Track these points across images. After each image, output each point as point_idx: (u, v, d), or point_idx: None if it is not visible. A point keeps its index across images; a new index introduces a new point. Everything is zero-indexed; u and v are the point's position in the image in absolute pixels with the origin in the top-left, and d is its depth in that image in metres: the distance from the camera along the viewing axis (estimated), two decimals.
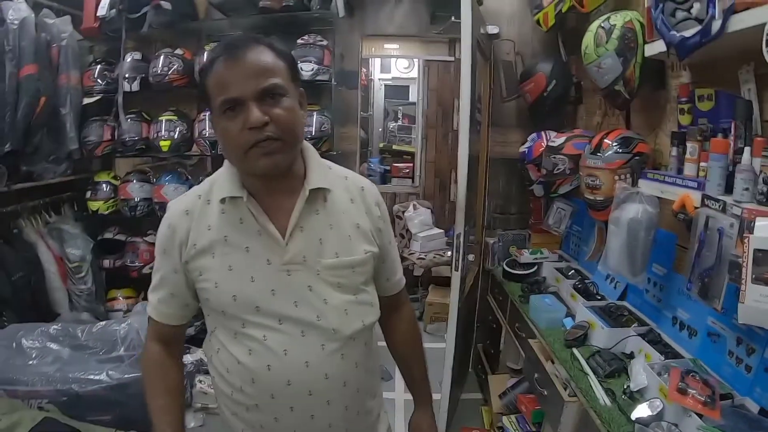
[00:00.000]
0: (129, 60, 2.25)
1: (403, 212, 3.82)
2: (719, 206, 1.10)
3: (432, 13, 2.50)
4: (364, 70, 3.82)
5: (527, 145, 2.33)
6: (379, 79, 4.91)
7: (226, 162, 0.90)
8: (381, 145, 4.87)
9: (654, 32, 1.32)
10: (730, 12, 1.02)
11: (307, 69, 2.15)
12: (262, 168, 0.81)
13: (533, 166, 2.27)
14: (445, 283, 3.44)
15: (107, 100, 2.27)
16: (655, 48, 1.35)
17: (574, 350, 1.49)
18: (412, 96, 4.83)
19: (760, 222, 0.96)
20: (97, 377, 1.27)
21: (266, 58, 0.81)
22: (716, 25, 1.06)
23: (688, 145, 1.28)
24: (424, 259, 3.60)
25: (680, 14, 1.21)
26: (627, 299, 1.70)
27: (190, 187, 2.32)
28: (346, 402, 0.91)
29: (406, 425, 1.14)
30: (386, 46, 4.03)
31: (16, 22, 1.84)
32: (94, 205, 2.34)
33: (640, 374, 1.25)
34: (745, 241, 0.96)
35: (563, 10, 1.95)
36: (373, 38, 3.37)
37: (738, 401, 1.08)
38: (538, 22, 2.10)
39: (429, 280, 3.72)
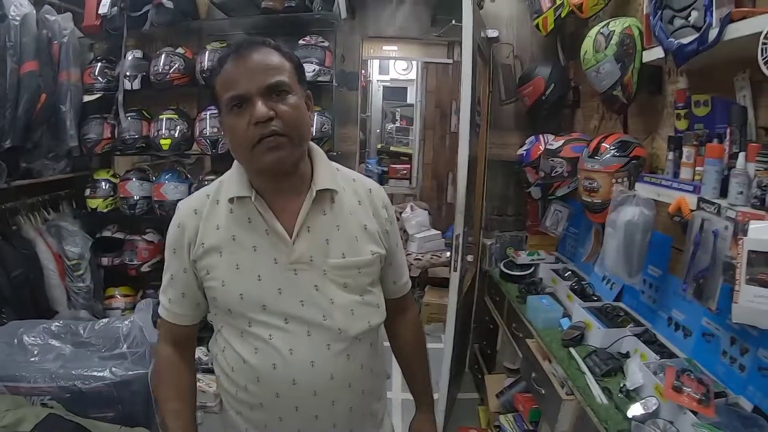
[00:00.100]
0: (130, 58, 2.25)
1: (401, 213, 3.84)
2: (714, 209, 1.13)
3: (433, 16, 2.52)
4: (363, 71, 3.83)
5: (525, 147, 2.35)
6: (378, 81, 4.93)
7: (235, 162, 0.92)
8: (379, 146, 4.89)
9: (652, 39, 1.35)
10: (726, 21, 1.05)
11: (308, 70, 2.16)
12: (267, 163, 0.82)
13: (531, 168, 2.29)
14: (441, 283, 3.46)
15: (107, 97, 2.28)
16: (653, 54, 1.37)
17: (571, 350, 1.52)
18: (410, 98, 4.86)
19: (754, 225, 0.98)
20: (100, 374, 1.27)
21: (272, 58, 0.84)
22: (713, 34, 1.08)
23: (685, 149, 1.31)
24: (420, 260, 3.62)
25: (678, 22, 1.24)
26: (623, 300, 1.72)
27: (189, 186, 2.35)
28: (351, 403, 0.91)
29: (404, 425, 1.15)
30: (385, 47, 4.05)
31: (17, 18, 1.84)
32: (93, 203, 2.34)
33: (636, 373, 1.27)
34: (740, 243, 0.98)
35: (562, 15, 1.97)
36: (373, 40, 3.39)
37: (732, 399, 1.11)
38: (537, 26, 2.13)
39: (425, 281, 3.74)
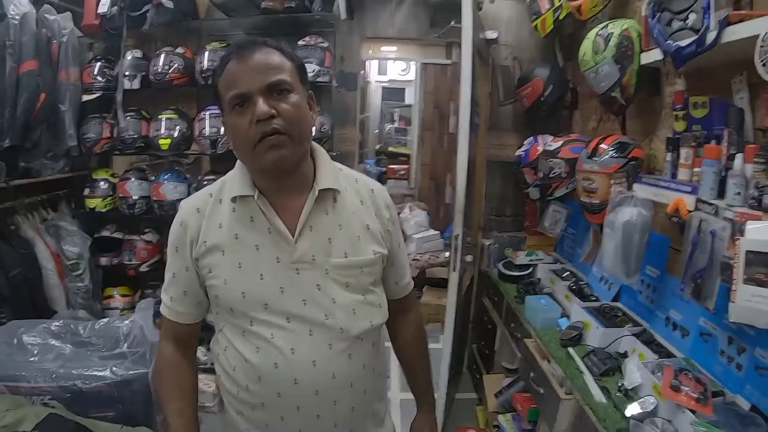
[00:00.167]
0: (129, 58, 2.25)
1: (399, 214, 3.85)
2: (712, 210, 1.14)
3: (432, 17, 2.53)
4: (361, 72, 3.84)
5: (524, 148, 2.36)
6: (376, 81, 4.94)
7: (238, 162, 0.92)
8: (377, 146, 4.90)
9: (651, 41, 1.36)
10: (724, 24, 1.06)
11: (308, 70, 2.16)
12: (269, 161, 0.82)
13: (529, 169, 2.30)
14: (439, 284, 3.47)
15: (107, 97, 2.27)
16: (652, 56, 1.39)
17: (570, 349, 1.52)
18: (409, 98, 4.87)
19: (751, 225, 0.99)
20: (100, 373, 1.27)
21: (274, 57, 0.85)
22: (711, 36, 1.10)
23: (683, 150, 1.32)
24: (419, 260, 3.63)
25: (676, 24, 1.25)
26: (620, 300, 1.73)
27: (188, 186, 2.35)
28: (352, 403, 0.91)
29: (402, 425, 1.15)
30: (384, 48, 4.06)
31: (17, 17, 1.84)
32: (91, 203, 2.33)
33: (634, 372, 1.28)
34: (737, 243, 0.99)
35: (561, 17, 1.99)
36: (372, 40, 3.40)
37: (729, 398, 1.12)
38: (536, 28, 2.14)
39: (423, 281, 3.75)
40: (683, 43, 1.19)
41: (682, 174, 1.32)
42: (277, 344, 0.86)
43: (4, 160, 1.92)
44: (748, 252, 0.97)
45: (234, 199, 0.89)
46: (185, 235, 0.91)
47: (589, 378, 1.36)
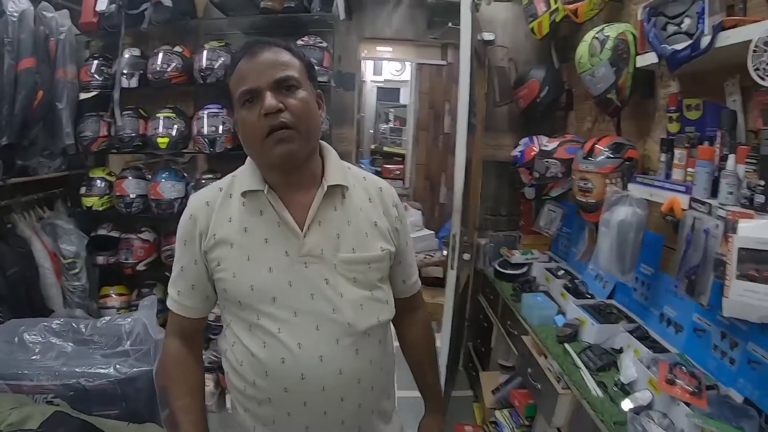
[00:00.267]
0: (127, 56, 2.24)
1: None
2: (705, 209, 1.17)
3: (429, 18, 2.56)
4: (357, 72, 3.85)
5: (519, 148, 2.40)
6: (371, 81, 4.96)
7: (248, 159, 0.94)
8: (372, 146, 4.92)
9: (646, 44, 1.39)
10: (718, 29, 1.09)
11: None
12: (278, 155, 0.84)
13: (525, 169, 2.33)
14: (434, 283, 3.50)
15: (104, 95, 2.26)
16: (647, 59, 1.42)
17: (566, 346, 1.56)
18: (404, 98, 4.90)
19: (743, 223, 1.03)
20: (104, 371, 1.27)
21: (283, 55, 0.87)
22: (705, 41, 1.13)
23: (677, 151, 1.36)
24: None
25: (671, 28, 1.29)
26: (615, 298, 1.77)
27: (186, 185, 2.34)
28: (360, 400, 0.91)
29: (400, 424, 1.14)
30: (379, 48, 4.07)
31: (15, 14, 1.83)
32: (88, 201, 2.31)
33: (629, 367, 1.31)
34: (730, 240, 1.03)
35: (557, 20, 2.02)
36: (367, 40, 3.42)
37: (723, 392, 1.15)
38: (532, 30, 2.17)
39: None
40: (678, 47, 1.23)
41: (676, 174, 1.36)
42: (284, 339, 0.86)
43: (1, 158, 1.90)
44: (741, 249, 1.00)
45: (244, 194, 0.90)
46: (194, 229, 0.91)
47: (585, 373, 1.40)
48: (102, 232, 2.39)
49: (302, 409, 0.87)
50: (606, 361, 1.42)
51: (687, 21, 1.22)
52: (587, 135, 2.04)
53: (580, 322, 1.63)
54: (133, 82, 2.24)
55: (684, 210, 1.25)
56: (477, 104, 2.52)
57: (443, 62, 4.13)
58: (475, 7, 2.14)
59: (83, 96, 2.23)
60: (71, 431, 1.08)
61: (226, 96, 2.43)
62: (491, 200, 2.67)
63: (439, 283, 3.32)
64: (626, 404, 1.19)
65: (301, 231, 0.88)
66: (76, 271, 2.20)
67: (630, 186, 1.56)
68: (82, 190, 2.32)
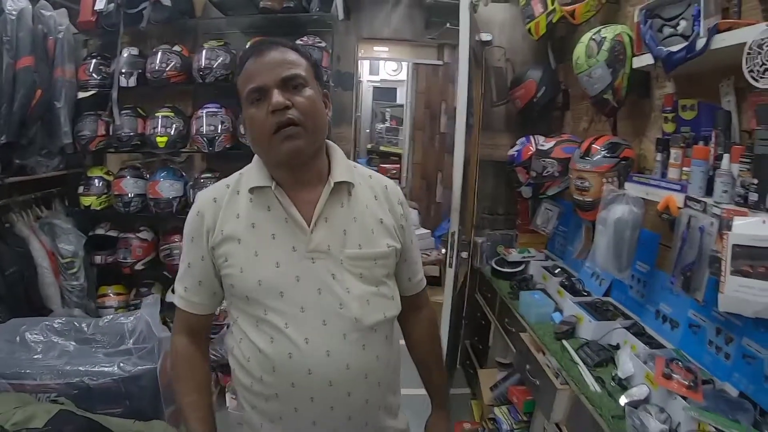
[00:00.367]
0: (126, 55, 2.24)
1: None
2: (701, 207, 1.20)
3: (427, 18, 2.57)
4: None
5: (516, 148, 2.41)
6: (368, 81, 4.97)
7: (255, 157, 0.95)
8: (368, 146, 4.93)
9: (642, 46, 1.42)
10: (714, 31, 1.12)
11: None
12: (285, 152, 0.85)
13: (522, 168, 2.35)
14: (430, 282, 3.51)
15: (102, 94, 2.26)
16: (643, 61, 1.45)
17: (564, 342, 1.58)
18: (400, 98, 4.91)
19: (737, 221, 1.06)
20: (108, 369, 1.28)
21: (289, 54, 0.88)
22: (701, 43, 1.15)
23: (672, 151, 1.38)
24: None
25: (667, 30, 1.31)
26: (611, 295, 1.80)
27: (185, 184, 2.35)
28: (367, 395, 0.91)
29: (406, 420, 1.14)
30: (376, 48, 4.09)
31: (14, 12, 1.82)
32: (86, 201, 2.31)
33: (627, 363, 1.34)
34: (725, 237, 1.05)
35: (554, 21, 2.04)
36: (363, 40, 3.44)
37: (718, 386, 1.18)
38: (529, 30, 2.19)
39: None
40: (674, 48, 1.25)
41: (672, 173, 1.38)
42: (291, 334, 0.87)
43: (0, 157, 1.90)
44: (735, 246, 1.03)
45: (251, 190, 0.91)
46: (202, 225, 0.92)
47: (583, 369, 1.42)
48: (100, 231, 2.39)
49: (309, 404, 0.88)
50: (603, 357, 1.44)
51: (683, 23, 1.25)
52: (583, 135, 2.06)
53: (578, 319, 1.65)
54: (132, 81, 2.24)
55: (680, 208, 1.28)
56: (474, 104, 2.54)
57: (439, 62, 4.15)
58: (473, 8, 2.17)
59: (81, 95, 2.23)
60: (78, 429, 1.08)
61: (225, 95, 2.43)
62: (488, 199, 2.69)
63: (435, 281, 3.33)
64: (624, 399, 1.21)
65: (308, 227, 0.89)
66: (75, 270, 2.19)
67: (626, 185, 1.58)
68: (80, 189, 2.32)
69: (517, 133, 2.48)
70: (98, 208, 2.33)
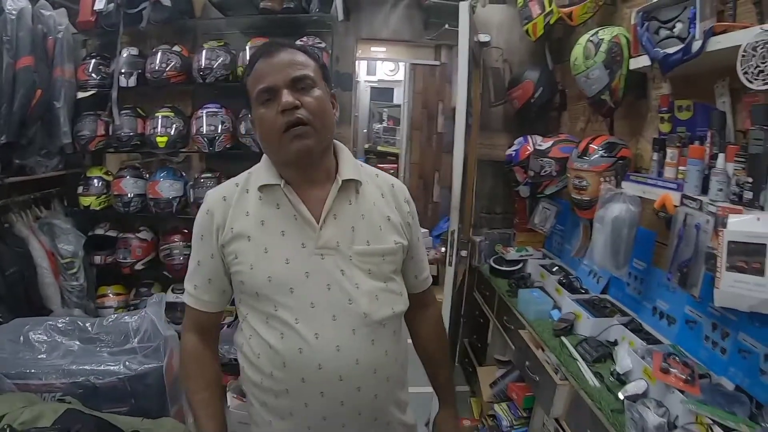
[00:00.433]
0: (125, 55, 2.24)
1: None
2: (696, 205, 1.22)
3: (425, 19, 2.59)
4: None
5: (514, 148, 2.44)
6: (365, 81, 4.98)
7: (264, 156, 0.96)
8: (366, 146, 4.94)
9: (639, 48, 1.44)
10: (709, 34, 1.15)
11: None
12: (295, 151, 0.87)
13: (520, 168, 2.38)
14: None
15: (101, 94, 2.26)
16: (640, 62, 1.47)
17: (563, 338, 1.60)
18: (397, 98, 4.93)
19: (732, 218, 1.08)
20: (114, 368, 1.28)
21: (298, 55, 0.90)
22: (696, 45, 1.18)
23: (669, 150, 1.41)
24: None
25: (663, 33, 1.34)
26: (609, 293, 1.82)
27: (185, 184, 2.35)
28: (376, 390, 0.93)
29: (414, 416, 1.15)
30: (373, 48, 4.10)
31: (14, 12, 1.82)
32: (85, 201, 2.31)
33: (625, 358, 1.36)
34: (720, 234, 1.08)
35: (551, 22, 2.07)
36: (361, 40, 3.45)
37: (715, 380, 1.20)
38: (527, 32, 2.22)
39: None
40: (670, 50, 1.28)
41: (668, 172, 1.41)
42: (301, 329, 0.88)
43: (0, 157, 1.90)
44: (730, 242, 1.05)
45: (261, 188, 0.93)
46: (211, 223, 0.94)
47: (582, 365, 1.44)
48: (99, 231, 2.39)
49: (319, 399, 0.89)
50: (602, 352, 1.47)
51: (679, 26, 1.28)
52: (580, 135, 2.09)
53: (576, 316, 1.68)
54: (132, 81, 2.25)
55: (676, 206, 1.30)
56: (473, 104, 2.56)
57: (436, 62, 4.17)
58: (472, 10, 2.19)
59: (81, 95, 2.23)
60: (86, 428, 1.09)
61: (225, 95, 2.43)
62: (486, 198, 2.71)
63: (434, 280, 3.35)
64: (623, 393, 1.24)
65: (317, 224, 0.91)
66: (74, 270, 2.19)
67: (623, 184, 1.61)
68: (80, 189, 2.32)
69: (514, 133, 2.50)
70: (97, 208, 2.33)
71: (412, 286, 1.07)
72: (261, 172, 0.95)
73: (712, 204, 1.17)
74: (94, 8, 2.14)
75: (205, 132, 2.22)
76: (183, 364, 0.99)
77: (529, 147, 2.33)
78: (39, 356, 1.34)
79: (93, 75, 2.24)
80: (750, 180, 1.10)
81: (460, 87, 1.93)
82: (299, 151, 0.87)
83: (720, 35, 1.13)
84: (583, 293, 1.85)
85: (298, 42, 2.25)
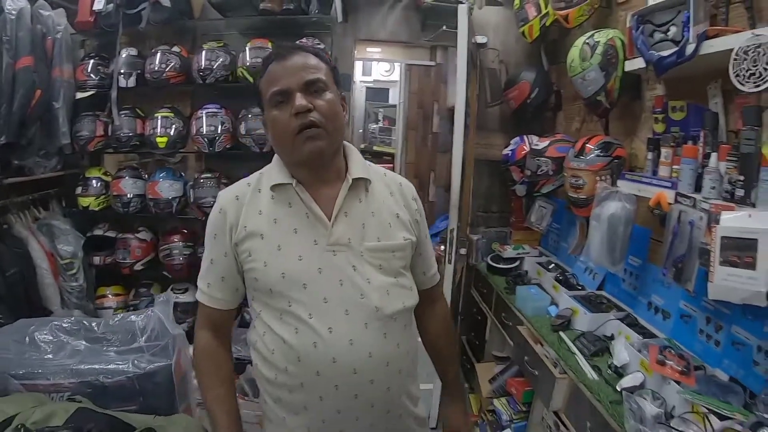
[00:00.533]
0: (125, 55, 2.25)
1: None
2: (690, 203, 1.26)
3: (423, 21, 2.62)
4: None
5: (510, 147, 2.47)
6: (361, 82, 5.00)
7: (275, 157, 0.99)
8: (362, 146, 4.97)
9: (634, 50, 1.48)
10: (702, 37, 1.19)
11: None
12: (307, 152, 0.89)
13: (516, 167, 2.41)
14: None
15: (100, 95, 2.26)
16: (635, 64, 1.51)
17: (561, 333, 1.64)
18: (393, 98, 4.95)
19: (725, 215, 1.12)
20: (123, 367, 1.29)
21: (311, 59, 0.93)
22: (690, 48, 1.22)
23: (663, 150, 1.44)
24: None
25: (658, 36, 1.38)
26: (605, 289, 1.86)
27: (184, 184, 2.36)
28: (388, 383, 0.95)
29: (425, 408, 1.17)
30: (369, 49, 4.12)
31: (13, 12, 1.82)
32: (84, 201, 2.31)
33: (622, 352, 1.40)
34: (713, 231, 1.12)
35: (547, 24, 2.11)
36: (357, 41, 3.48)
37: (709, 372, 1.24)
38: (523, 33, 2.25)
39: None
40: (665, 53, 1.32)
41: (663, 171, 1.44)
42: (315, 324, 0.90)
43: None
44: (723, 238, 1.10)
45: (273, 187, 0.95)
46: (225, 222, 0.96)
47: (580, 358, 1.48)
48: (98, 232, 2.39)
49: (334, 393, 0.91)
50: (599, 346, 1.50)
51: (673, 29, 1.32)
52: (576, 135, 2.13)
53: (573, 312, 1.72)
54: (131, 82, 2.25)
55: (670, 204, 1.34)
56: (470, 105, 2.60)
57: (432, 63, 4.21)
58: (469, 12, 2.22)
59: (80, 95, 2.23)
60: (99, 426, 1.10)
61: (224, 96, 2.44)
62: (483, 198, 2.75)
63: None
64: (620, 385, 1.27)
65: (329, 221, 0.93)
66: (74, 271, 2.19)
67: (619, 182, 1.64)
68: (78, 190, 2.32)
69: (510, 133, 2.53)
70: (96, 209, 2.33)
71: (421, 283, 1.10)
72: (273, 172, 0.97)
73: (705, 201, 1.21)
74: (93, 8, 2.14)
75: (205, 132, 2.23)
76: (197, 361, 1.01)
77: (525, 147, 2.36)
78: (46, 356, 1.34)
79: (92, 75, 2.25)
80: (742, 178, 1.14)
81: (459, 88, 1.96)
82: (312, 153, 0.90)
83: (713, 39, 1.17)
84: (579, 290, 1.89)
85: (297, 43, 2.28)
